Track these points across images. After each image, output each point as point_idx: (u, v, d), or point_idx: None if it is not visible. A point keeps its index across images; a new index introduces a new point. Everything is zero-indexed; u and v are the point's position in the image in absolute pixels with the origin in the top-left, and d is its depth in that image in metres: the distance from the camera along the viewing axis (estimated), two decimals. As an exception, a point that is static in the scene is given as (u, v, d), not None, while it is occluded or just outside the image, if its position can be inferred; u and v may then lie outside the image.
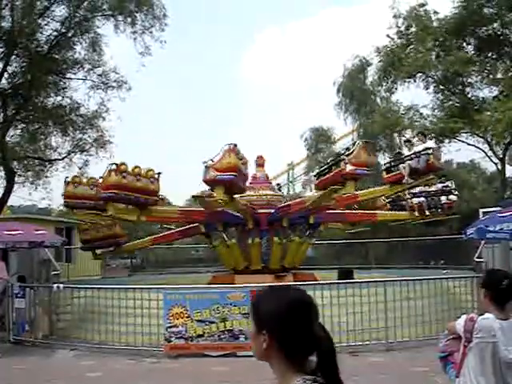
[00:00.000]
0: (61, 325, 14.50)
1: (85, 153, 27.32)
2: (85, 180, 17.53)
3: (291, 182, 54.81)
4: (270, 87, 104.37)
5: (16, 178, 25.43)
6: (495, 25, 27.79)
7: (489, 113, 25.30)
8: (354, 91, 39.12)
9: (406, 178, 16.30)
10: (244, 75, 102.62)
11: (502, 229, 13.45)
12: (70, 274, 20.35)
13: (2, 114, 24.79)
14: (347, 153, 16.34)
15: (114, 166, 14.76)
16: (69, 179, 17.13)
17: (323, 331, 2.11)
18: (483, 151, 28.76)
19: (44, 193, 27.82)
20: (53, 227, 22.94)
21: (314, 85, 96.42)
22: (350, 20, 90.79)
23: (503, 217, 13.65)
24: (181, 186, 74.22)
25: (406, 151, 17.40)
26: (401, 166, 16.64)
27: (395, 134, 34.99)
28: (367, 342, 12.29)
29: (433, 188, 19.16)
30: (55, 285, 14.48)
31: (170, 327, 12.09)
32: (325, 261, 27.92)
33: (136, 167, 15.38)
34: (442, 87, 29.30)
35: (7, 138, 24.99)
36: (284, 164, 54.89)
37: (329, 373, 2.05)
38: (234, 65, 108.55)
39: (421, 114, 29.70)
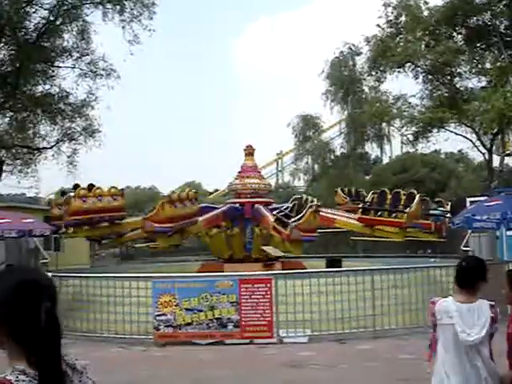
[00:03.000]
0: (49, 313, 14.45)
1: (73, 141, 27.26)
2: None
3: (280, 171, 54.79)
4: (263, 75, 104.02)
5: (4, 167, 25.35)
6: (485, 15, 27.84)
7: (477, 103, 25.39)
8: (342, 79, 39.04)
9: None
10: (235, 64, 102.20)
11: (488, 218, 13.59)
12: (59, 262, 20.29)
13: (-11, 103, 24.67)
14: None
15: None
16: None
17: (51, 315, 1.94)
18: (471, 141, 28.85)
19: (32, 181, 27.75)
20: (41, 216, 22.86)
21: (309, 74, 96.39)
22: (345, 9, 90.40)
23: (490, 206, 13.78)
24: (175, 172, 74.57)
25: None
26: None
27: (384, 124, 35.09)
28: (354, 330, 12.39)
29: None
30: (44, 273, 14.46)
31: (159, 315, 12.13)
32: (313, 250, 27.97)
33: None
34: (430, 77, 29.33)
35: (-5, 127, 24.91)
36: (274, 153, 54.87)
37: (47, 362, 1.89)
38: (224, 54, 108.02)
39: (409, 103, 29.73)
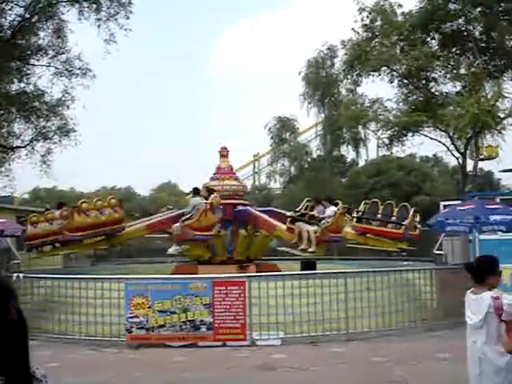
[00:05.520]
0: (21, 315, 14.26)
1: (48, 140, 27.04)
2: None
3: (256, 173, 54.83)
4: (243, 76, 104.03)
5: (-24, 166, 25.07)
6: (460, 21, 28.15)
7: (451, 108, 25.67)
8: (319, 81, 39.21)
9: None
10: (215, 65, 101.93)
11: (461, 221, 13.75)
12: (31, 263, 20.03)
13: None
14: None
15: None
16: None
17: (19, 316, 1.92)
18: (445, 145, 29.11)
19: (6, 181, 27.45)
20: (14, 216, 22.59)
21: (289, 75, 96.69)
22: (323, 11, 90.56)
23: (463, 210, 13.93)
24: (152, 172, 74.28)
25: None
26: None
27: (360, 127, 35.31)
28: (328, 333, 12.41)
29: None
30: (15, 274, 14.28)
31: (132, 317, 12.04)
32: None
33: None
34: (406, 81, 29.56)
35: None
36: (251, 155, 54.90)
37: (15, 362, 1.90)
38: (203, 55, 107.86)
39: (385, 107, 29.94)
